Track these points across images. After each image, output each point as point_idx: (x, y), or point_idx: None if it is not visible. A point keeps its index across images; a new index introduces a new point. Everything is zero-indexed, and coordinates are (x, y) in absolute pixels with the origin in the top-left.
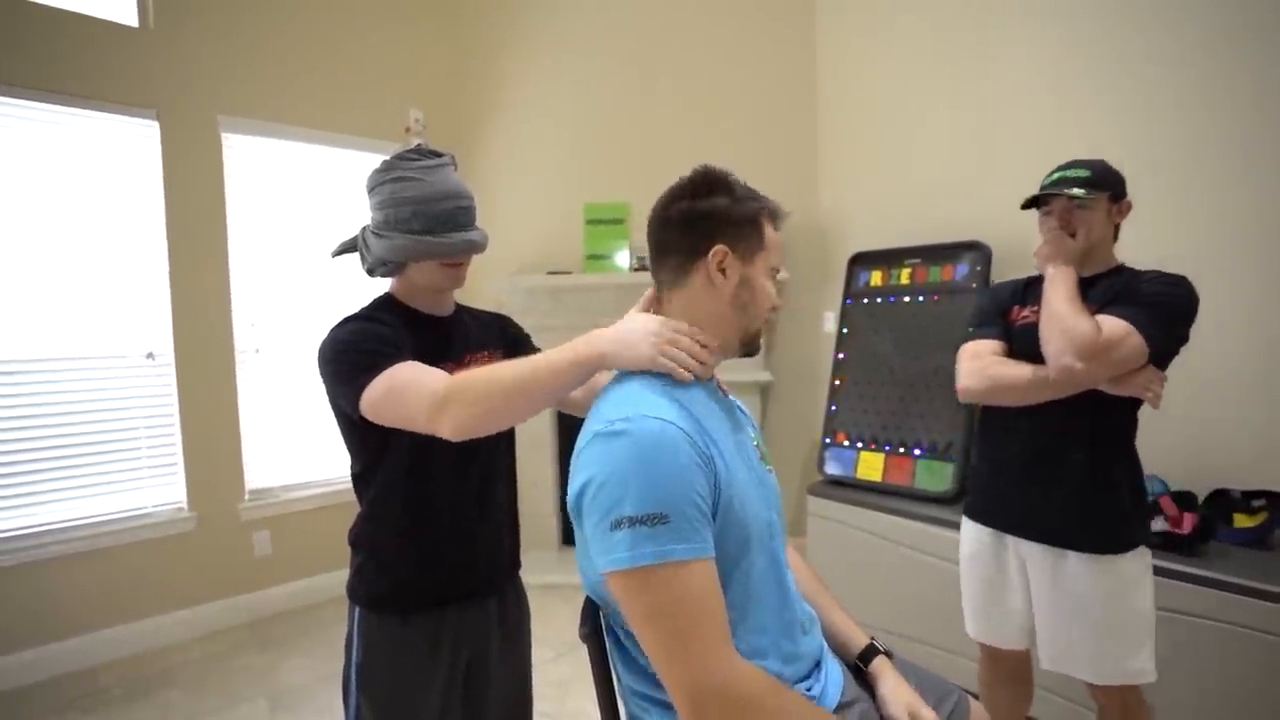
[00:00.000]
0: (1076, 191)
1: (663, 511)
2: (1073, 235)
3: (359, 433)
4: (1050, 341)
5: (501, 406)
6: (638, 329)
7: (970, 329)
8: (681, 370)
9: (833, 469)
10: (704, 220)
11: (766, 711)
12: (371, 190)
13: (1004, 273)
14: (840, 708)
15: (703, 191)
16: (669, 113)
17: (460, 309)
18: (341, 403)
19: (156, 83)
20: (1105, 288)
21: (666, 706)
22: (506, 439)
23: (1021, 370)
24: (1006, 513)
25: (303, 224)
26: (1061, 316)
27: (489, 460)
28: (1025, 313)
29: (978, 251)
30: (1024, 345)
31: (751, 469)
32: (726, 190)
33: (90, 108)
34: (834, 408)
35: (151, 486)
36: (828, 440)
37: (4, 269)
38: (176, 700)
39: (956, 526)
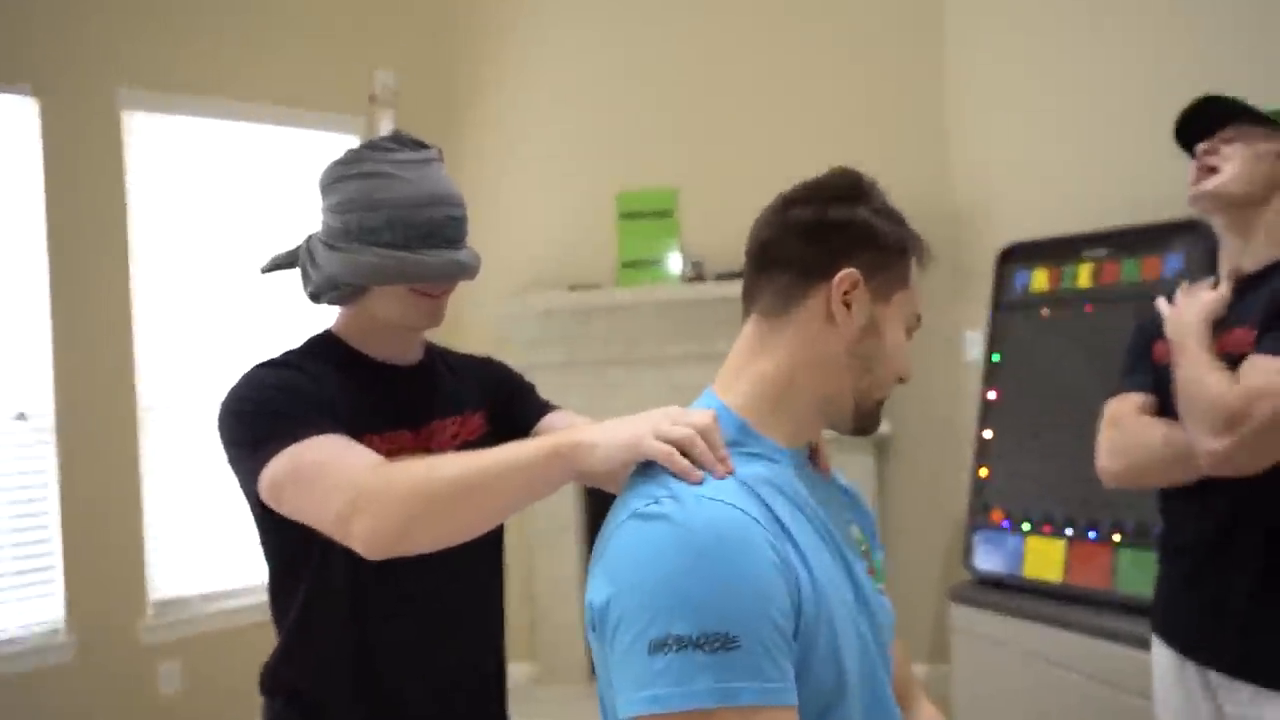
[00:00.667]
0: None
1: (729, 632)
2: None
3: (274, 526)
4: (1184, 420)
5: (437, 514)
6: (641, 415)
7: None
8: (681, 460)
9: (986, 563)
10: (838, 233)
11: None
12: (328, 186)
13: None
14: None
15: (843, 197)
16: (734, 63)
17: (432, 354)
18: (240, 481)
19: (33, 50)
20: (1275, 288)
21: None
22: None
23: (1155, 437)
24: (1184, 628)
25: (237, 231)
26: (1187, 380)
27: (472, 561)
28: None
29: (1196, 235)
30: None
31: (856, 586)
32: (871, 201)
33: None
34: (984, 472)
35: (17, 599)
36: (977, 520)
37: None
38: None
39: None
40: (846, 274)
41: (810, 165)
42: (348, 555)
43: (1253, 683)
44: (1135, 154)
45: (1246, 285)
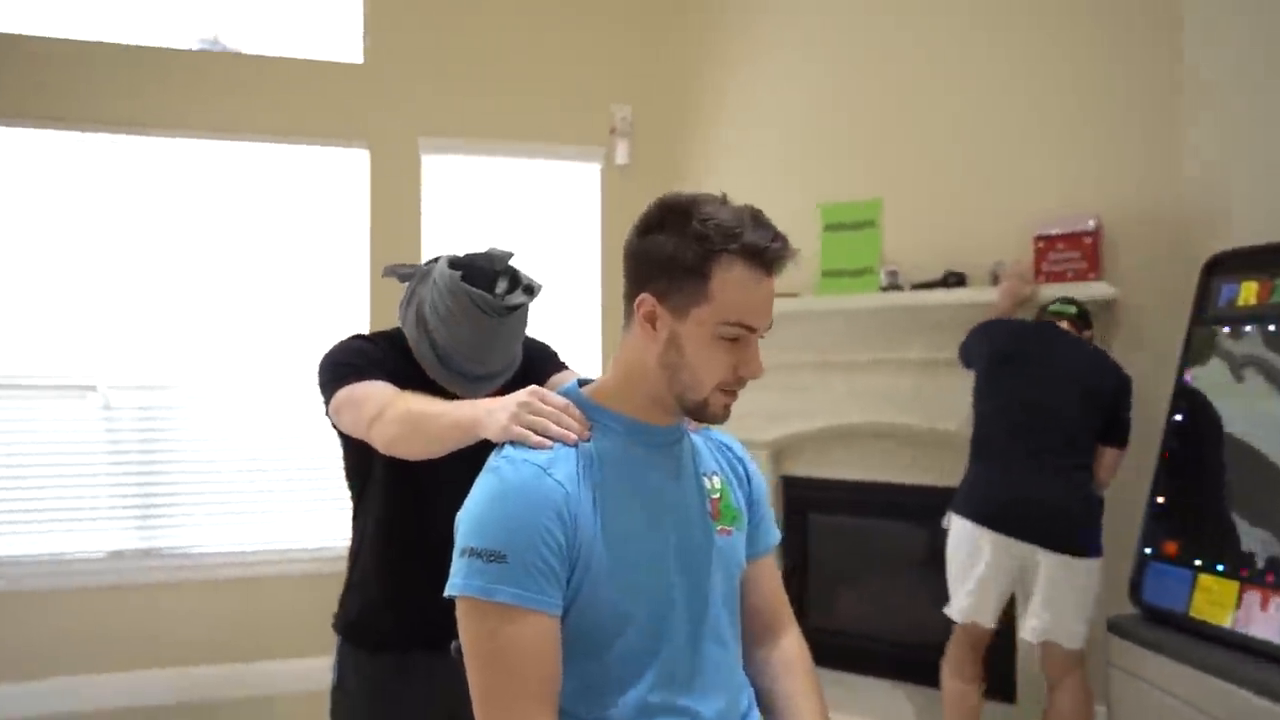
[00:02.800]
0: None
1: (502, 551)
2: None
3: (347, 452)
4: None
5: (408, 435)
6: (509, 400)
7: None
8: (536, 437)
9: (1155, 597)
10: (637, 262)
11: None
12: (449, 293)
13: None
14: None
15: (652, 227)
16: (935, 78)
17: None
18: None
19: (366, 115)
20: None
21: None
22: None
23: None
24: None
25: (503, 239)
26: None
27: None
28: None
29: None
30: None
31: (681, 531)
32: (679, 226)
33: (306, 142)
34: (1160, 500)
35: (337, 516)
36: (1148, 551)
37: (228, 301)
38: None
39: None
40: (641, 299)
41: (1015, 178)
42: (387, 480)
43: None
44: None
45: None
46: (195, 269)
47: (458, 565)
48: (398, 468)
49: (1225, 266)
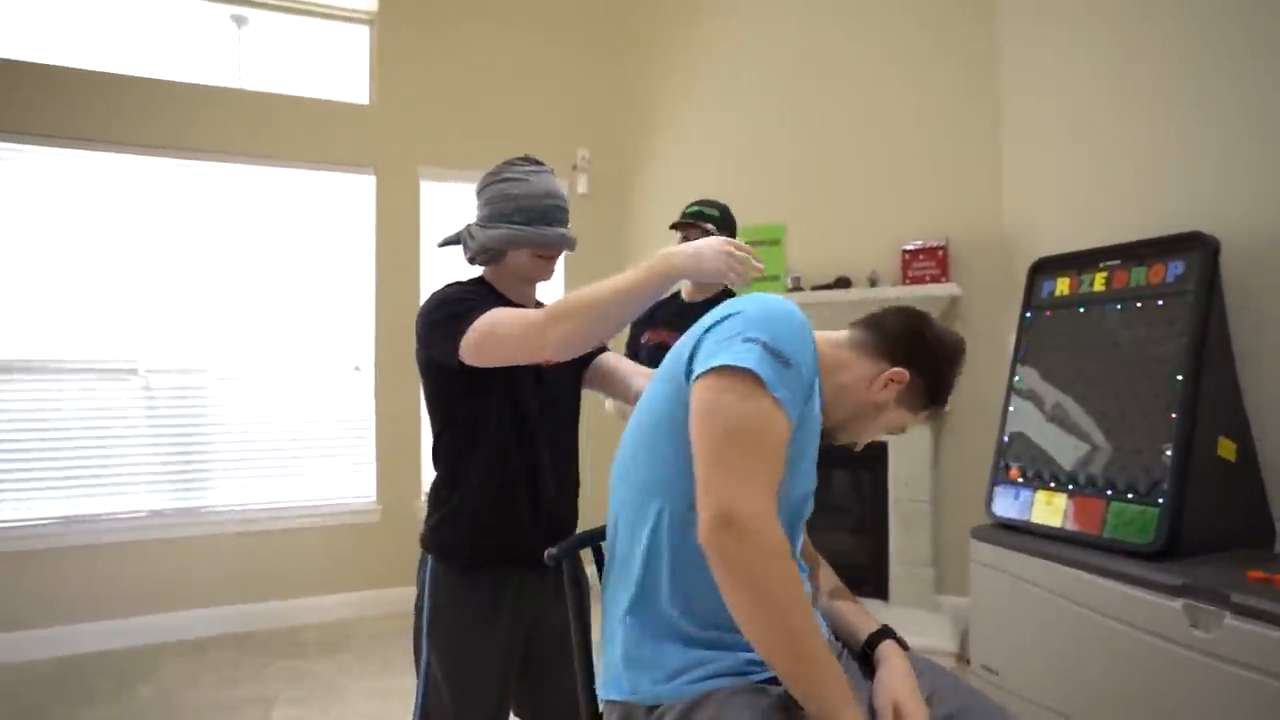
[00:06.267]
0: (709, 226)
1: (792, 358)
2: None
3: (446, 400)
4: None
5: (592, 321)
6: (711, 246)
7: None
8: (755, 264)
9: (1003, 510)
10: (920, 347)
11: (776, 563)
12: (481, 190)
13: (1238, 274)
14: None
15: (950, 355)
16: (830, 125)
17: (539, 303)
18: (438, 353)
19: (372, 146)
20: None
21: (645, 626)
22: (574, 411)
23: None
24: None
25: None
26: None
27: (564, 431)
28: (648, 336)
29: (1196, 244)
30: (651, 363)
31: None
32: (949, 357)
33: (323, 168)
34: (1006, 438)
35: (349, 480)
36: (998, 476)
37: (255, 299)
38: (350, 663)
39: (1159, 589)
40: (901, 371)
41: (886, 206)
42: (491, 420)
43: None
44: (1151, 184)
45: (689, 308)
46: (223, 273)
47: (744, 346)
48: (504, 409)
49: (1045, 268)
